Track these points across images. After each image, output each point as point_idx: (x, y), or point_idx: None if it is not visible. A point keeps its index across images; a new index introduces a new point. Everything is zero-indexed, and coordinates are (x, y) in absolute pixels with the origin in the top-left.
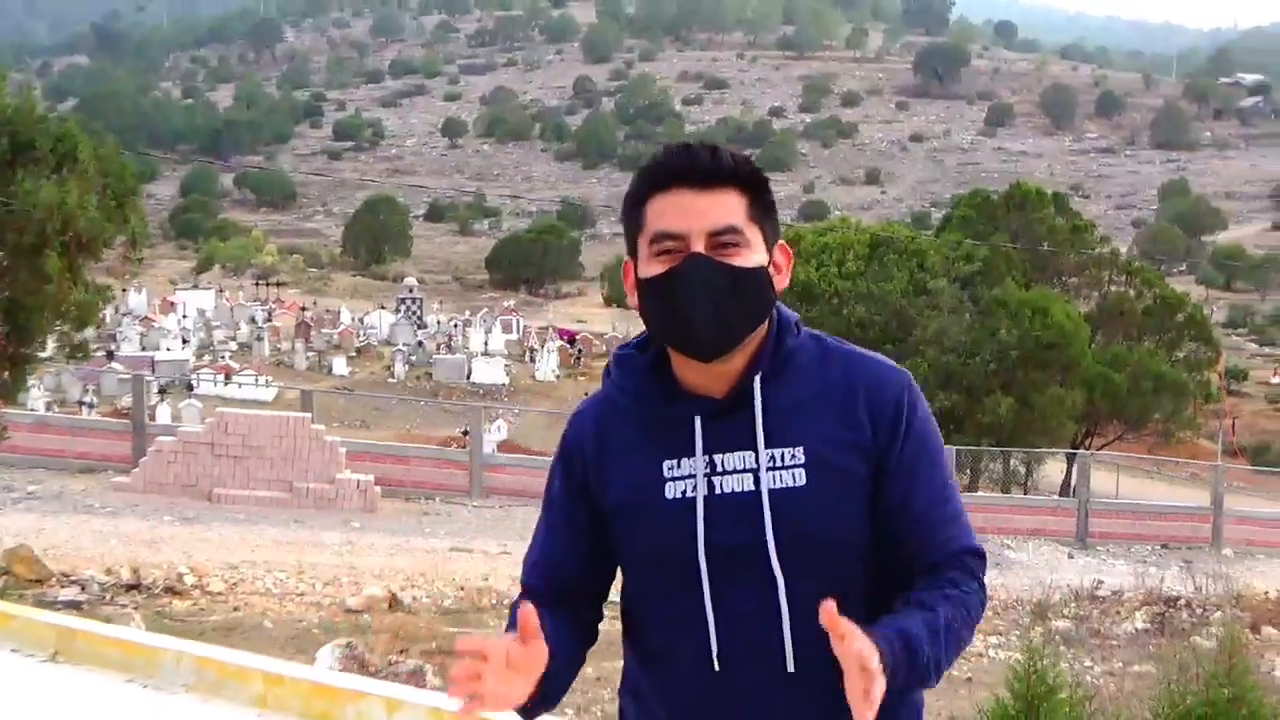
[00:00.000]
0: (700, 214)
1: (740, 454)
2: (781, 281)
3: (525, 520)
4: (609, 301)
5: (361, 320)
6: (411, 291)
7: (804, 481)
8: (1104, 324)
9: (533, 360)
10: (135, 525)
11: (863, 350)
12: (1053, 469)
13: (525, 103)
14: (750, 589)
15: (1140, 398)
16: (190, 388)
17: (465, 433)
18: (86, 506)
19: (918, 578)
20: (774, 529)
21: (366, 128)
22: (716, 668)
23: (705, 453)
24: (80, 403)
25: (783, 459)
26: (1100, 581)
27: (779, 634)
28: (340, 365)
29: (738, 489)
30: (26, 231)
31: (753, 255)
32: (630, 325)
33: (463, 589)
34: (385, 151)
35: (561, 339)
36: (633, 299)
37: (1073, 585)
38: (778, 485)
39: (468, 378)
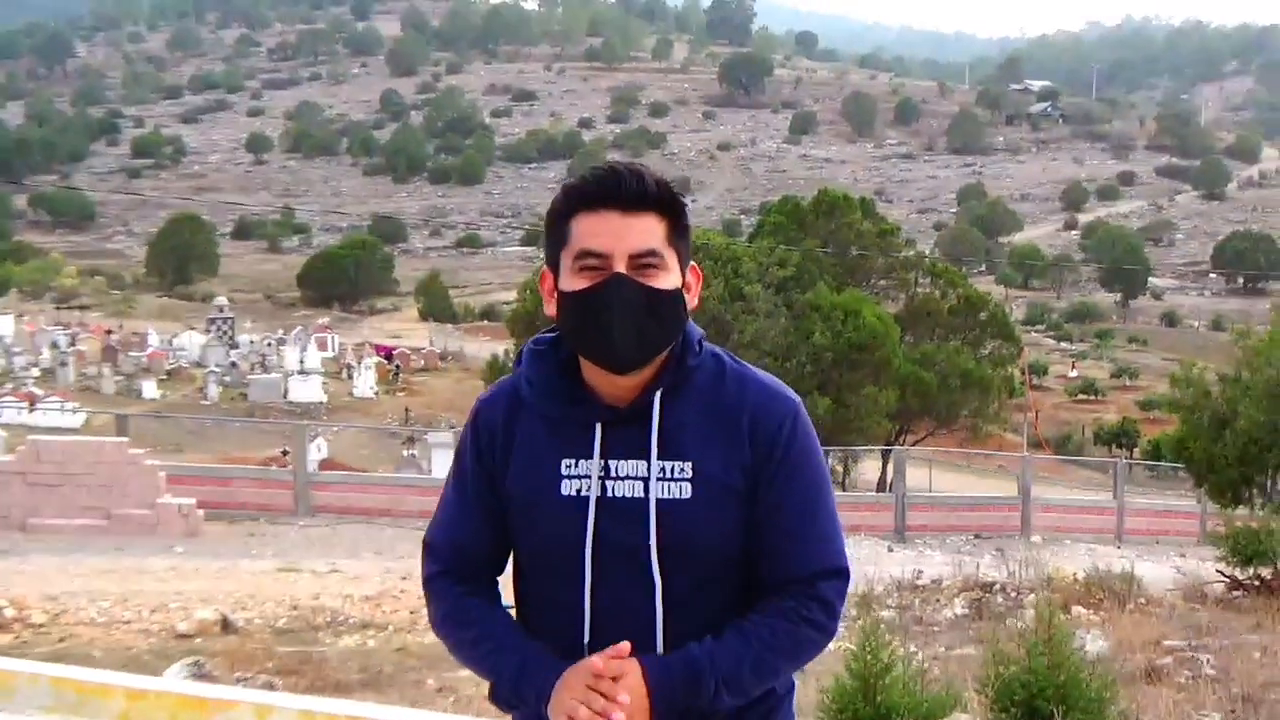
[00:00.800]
0: (624, 236)
1: (634, 462)
2: (692, 300)
3: (354, 537)
4: (424, 316)
5: (171, 342)
6: (222, 311)
7: (689, 495)
8: (912, 324)
9: (350, 377)
10: None
11: (759, 373)
12: (869, 466)
13: (331, 117)
14: (628, 586)
15: (949, 394)
16: None
17: (285, 452)
18: None
19: (768, 594)
20: (657, 535)
21: (167, 145)
22: (586, 654)
23: (602, 457)
24: None
25: (672, 472)
26: (920, 572)
27: (651, 629)
28: (150, 389)
29: (628, 494)
30: None
31: (670, 277)
32: (446, 340)
33: (295, 608)
34: (188, 168)
35: (379, 355)
36: (549, 307)
37: (894, 576)
38: (665, 495)
39: (284, 396)
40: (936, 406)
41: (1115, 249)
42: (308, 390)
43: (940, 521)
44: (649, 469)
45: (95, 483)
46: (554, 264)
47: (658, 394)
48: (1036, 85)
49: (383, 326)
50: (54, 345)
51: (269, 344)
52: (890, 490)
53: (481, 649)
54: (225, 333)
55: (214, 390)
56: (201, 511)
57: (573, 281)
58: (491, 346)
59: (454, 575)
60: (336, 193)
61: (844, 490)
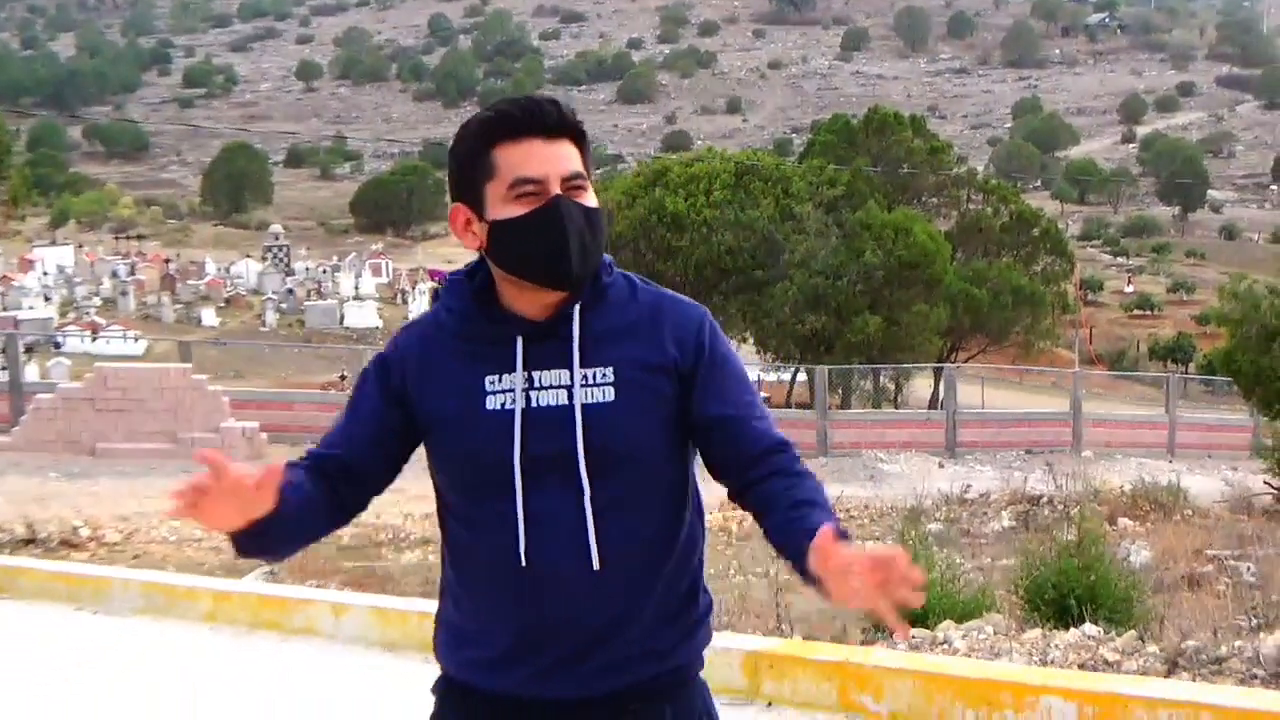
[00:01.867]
0: (553, 160)
1: (557, 372)
2: None
3: (412, 458)
4: None
5: (228, 270)
6: (278, 239)
7: (612, 398)
8: (964, 241)
9: (405, 302)
10: (20, 483)
11: (667, 290)
12: (921, 384)
13: (380, 43)
14: (559, 493)
15: (1001, 311)
16: (57, 345)
17: (343, 377)
18: None
19: (751, 467)
20: (584, 439)
21: (218, 74)
22: (523, 563)
23: (525, 369)
24: None
25: (594, 378)
26: (968, 486)
27: (584, 535)
28: (209, 316)
29: (552, 403)
30: None
31: (591, 196)
32: None
33: (357, 526)
34: (239, 97)
35: (433, 279)
36: (467, 241)
37: (943, 491)
38: (589, 401)
39: (340, 322)
40: (988, 324)
41: (1174, 161)
42: (363, 316)
43: (991, 437)
44: (572, 377)
45: (161, 408)
46: (473, 198)
47: (577, 306)
48: None
49: (436, 251)
50: (114, 275)
51: (324, 271)
52: (941, 407)
53: None
54: (281, 260)
55: (271, 317)
56: (265, 435)
57: (511, 209)
58: None
59: (318, 468)
60: (387, 119)
61: (895, 407)
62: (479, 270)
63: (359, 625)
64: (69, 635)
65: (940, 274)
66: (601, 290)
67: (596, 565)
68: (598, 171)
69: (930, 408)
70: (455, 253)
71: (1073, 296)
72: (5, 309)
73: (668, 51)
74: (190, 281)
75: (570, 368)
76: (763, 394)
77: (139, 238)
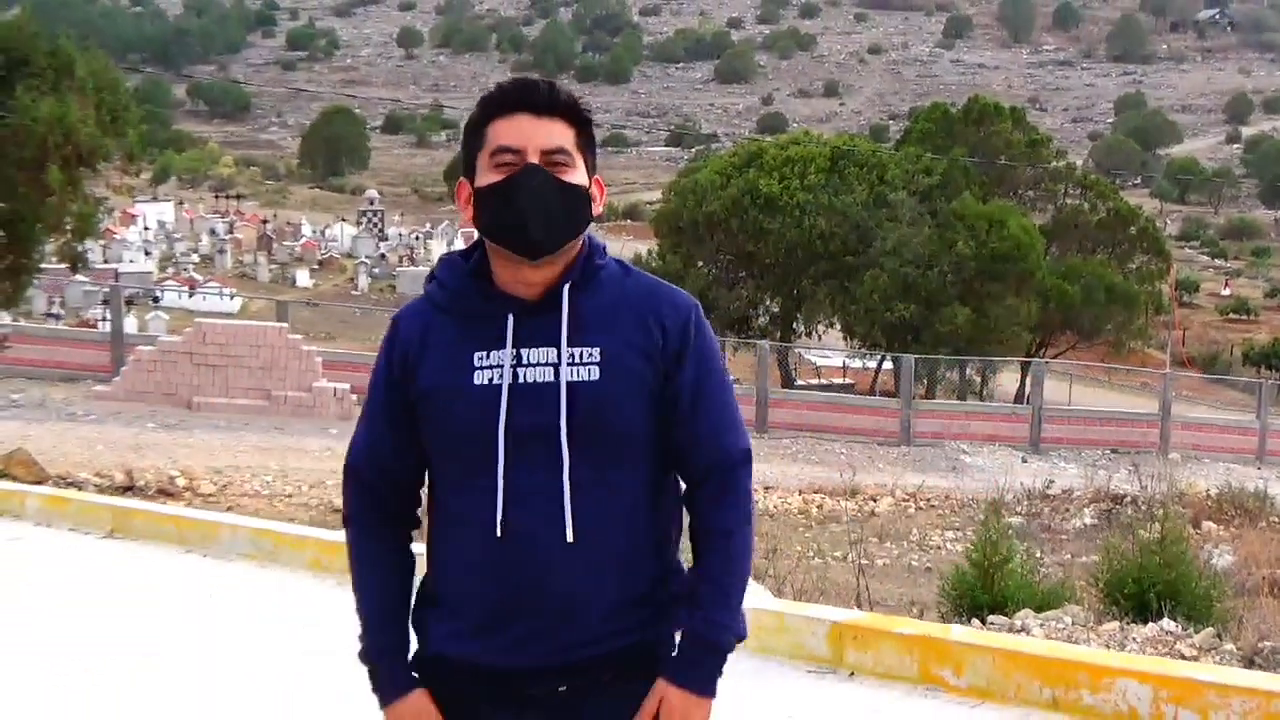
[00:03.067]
0: (536, 134)
1: (544, 349)
2: (596, 208)
3: None
4: None
5: (323, 232)
6: (373, 204)
7: (597, 378)
8: (1059, 236)
9: None
10: (119, 432)
11: (659, 279)
12: (1007, 378)
13: (481, 13)
14: (539, 467)
15: (1093, 308)
16: (156, 299)
17: None
18: (69, 414)
19: (692, 483)
20: (568, 415)
21: (320, 37)
22: (499, 534)
23: (514, 346)
24: (47, 314)
25: (581, 357)
26: (1051, 482)
27: (560, 508)
28: (303, 277)
29: (539, 379)
30: (27, 145)
31: (577, 175)
32: (589, 232)
33: None
34: (340, 62)
35: None
36: (466, 213)
37: (1025, 485)
38: (575, 379)
39: None
40: (1079, 320)
41: (1278, 164)
42: None
43: (1076, 435)
44: (559, 354)
45: (256, 365)
46: (470, 170)
47: (567, 285)
48: None
49: None
50: (212, 232)
51: (416, 237)
52: (1027, 402)
53: (357, 600)
54: (375, 225)
55: (364, 281)
56: (355, 396)
57: (490, 176)
58: (635, 245)
59: (371, 510)
60: (485, 89)
61: (980, 400)
62: (477, 249)
63: None
64: (175, 576)
65: (1033, 268)
66: (594, 271)
67: (570, 538)
68: (691, 150)
69: (1016, 402)
70: None
71: (1167, 297)
72: (107, 261)
73: (767, 32)
74: (286, 242)
75: (558, 345)
76: (848, 380)
77: (237, 197)
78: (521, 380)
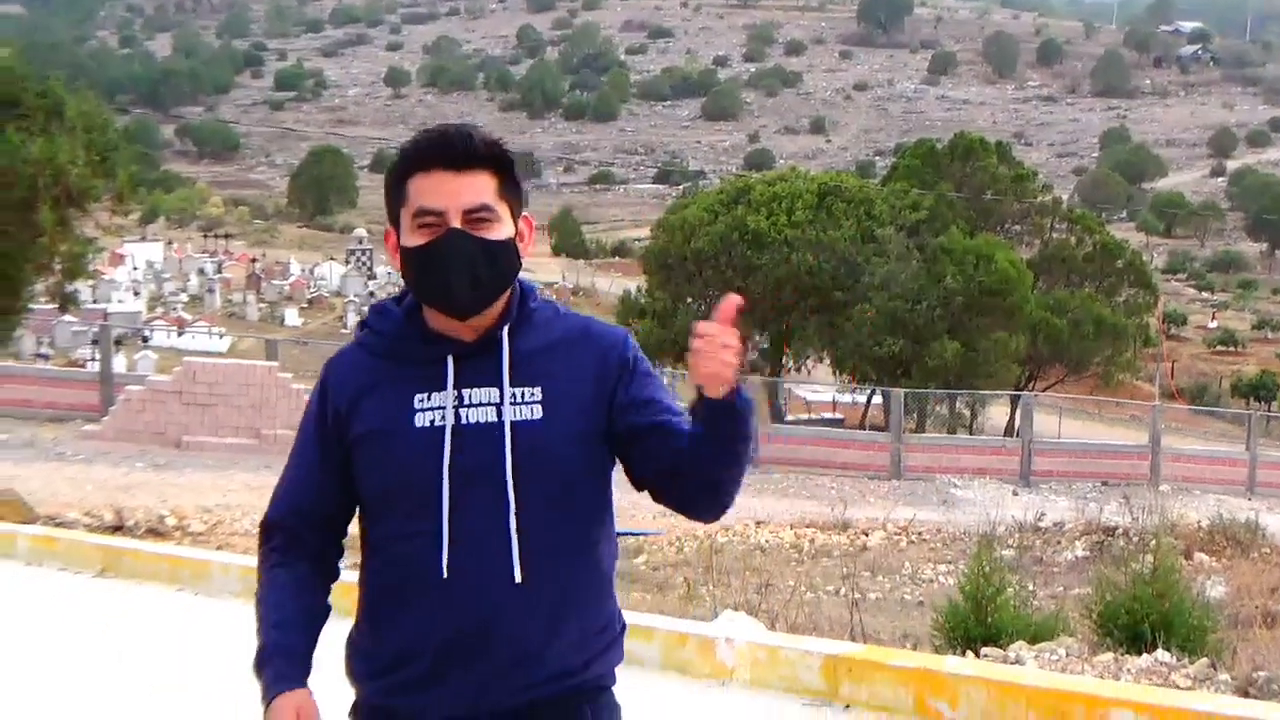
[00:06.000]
0: (456, 194)
1: (486, 390)
2: (525, 249)
3: None
4: (557, 251)
5: (311, 272)
6: (361, 243)
7: (540, 416)
8: (1046, 270)
9: None
10: (108, 472)
11: (590, 316)
12: (997, 411)
13: (469, 52)
14: (484, 508)
15: (1081, 341)
16: (145, 339)
17: None
18: (58, 454)
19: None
20: (512, 455)
21: (308, 78)
22: (445, 575)
23: (455, 387)
24: (35, 354)
25: (523, 396)
26: (1042, 514)
27: (507, 548)
28: (292, 316)
29: (482, 420)
30: (17, 186)
31: (503, 229)
32: (578, 276)
33: None
34: (328, 101)
35: None
36: (394, 262)
37: (1016, 519)
38: (518, 418)
39: None
40: (1068, 353)
41: (1263, 197)
42: None
43: (1066, 467)
44: (501, 394)
45: (245, 404)
46: (395, 222)
47: (505, 328)
48: (1187, 26)
49: None
50: (201, 272)
51: None
52: (1017, 435)
53: (257, 616)
54: (364, 264)
55: (352, 319)
56: None
57: (412, 238)
58: (623, 283)
59: (288, 552)
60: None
61: (970, 434)
62: (406, 295)
63: None
64: (167, 615)
65: (1021, 302)
66: (528, 314)
67: (518, 578)
68: (678, 187)
69: (1006, 435)
70: (538, 262)
71: (1155, 330)
72: (96, 301)
73: (753, 70)
74: (275, 281)
75: (500, 385)
76: (837, 415)
77: (226, 236)
78: (464, 421)
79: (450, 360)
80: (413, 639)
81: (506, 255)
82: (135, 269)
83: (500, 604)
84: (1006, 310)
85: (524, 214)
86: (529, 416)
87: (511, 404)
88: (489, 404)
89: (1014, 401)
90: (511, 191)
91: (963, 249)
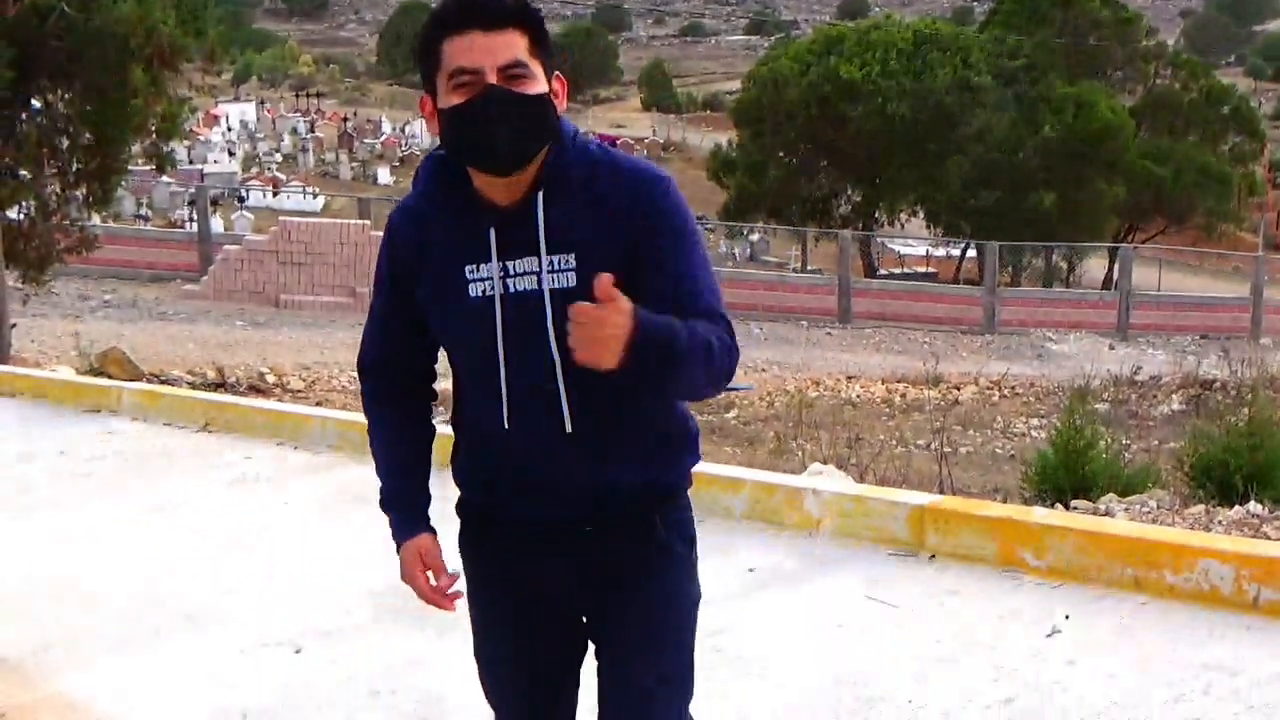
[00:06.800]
0: (491, 51)
1: (527, 259)
2: (560, 105)
3: None
4: (647, 105)
5: (403, 129)
6: None
7: (574, 284)
8: (1148, 118)
9: None
10: (208, 330)
11: (629, 157)
12: (1095, 264)
13: None
14: (536, 367)
15: (1184, 191)
16: (241, 199)
17: None
18: (160, 314)
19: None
20: (553, 320)
21: None
22: (506, 426)
23: (499, 259)
24: (135, 215)
25: (559, 264)
26: (1139, 368)
27: (557, 404)
28: (384, 175)
29: (526, 288)
30: (110, 47)
31: (537, 85)
32: (669, 130)
33: None
34: None
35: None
36: (432, 127)
37: (1112, 372)
38: (555, 286)
39: None
40: (1169, 204)
41: None
42: None
43: (1165, 321)
44: (540, 264)
45: (340, 262)
46: (431, 88)
47: (540, 194)
48: None
49: (605, 116)
50: (294, 131)
51: None
52: (1115, 288)
53: (374, 458)
54: None
55: None
56: None
57: (451, 98)
58: (714, 136)
59: (386, 395)
60: None
61: (1067, 287)
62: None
63: None
64: (267, 466)
65: (1121, 151)
66: (563, 172)
67: (569, 429)
68: (770, 38)
69: (1104, 288)
70: (627, 117)
71: (1261, 178)
72: (192, 162)
73: None
74: (367, 140)
75: (538, 254)
76: (931, 269)
77: (318, 95)
78: (512, 290)
79: (492, 232)
80: (493, 472)
81: (544, 108)
82: (229, 129)
83: (554, 451)
84: (1106, 160)
85: (556, 73)
86: (565, 285)
87: (549, 272)
88: (530, 273)
89: (1112, 254)
90: (543, 50)
91: (1062, 97)
